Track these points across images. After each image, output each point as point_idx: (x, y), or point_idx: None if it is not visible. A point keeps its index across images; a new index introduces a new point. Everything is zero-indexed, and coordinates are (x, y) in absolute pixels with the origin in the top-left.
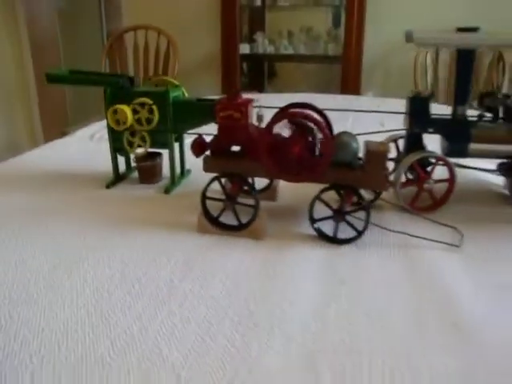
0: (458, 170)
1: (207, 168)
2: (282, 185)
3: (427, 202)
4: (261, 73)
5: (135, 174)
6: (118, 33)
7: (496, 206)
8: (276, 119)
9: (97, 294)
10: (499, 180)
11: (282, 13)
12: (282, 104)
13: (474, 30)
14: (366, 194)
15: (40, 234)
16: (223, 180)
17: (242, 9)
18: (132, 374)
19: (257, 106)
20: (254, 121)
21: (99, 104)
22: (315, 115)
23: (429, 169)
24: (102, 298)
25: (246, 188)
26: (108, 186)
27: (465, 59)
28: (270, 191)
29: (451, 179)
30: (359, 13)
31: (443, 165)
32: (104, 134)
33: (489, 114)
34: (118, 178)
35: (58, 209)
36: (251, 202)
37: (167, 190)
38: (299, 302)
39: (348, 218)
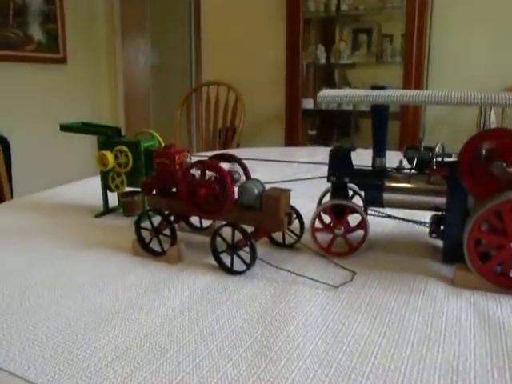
0: (394, 222)
1: (149, 204)
2: None
3: (345, 248)
4: (329, 127)
5: None
6: (194, 88)
7: (420, 257)
8: (191, 166)
9: (30, 286)
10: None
11: (346, 69)
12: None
13: (382, 88)
14: (290, 238)
15: (31, 245)
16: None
17: (308, 66)
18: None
19: (190, 156)
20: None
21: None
22: (222, 165)
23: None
24: (26, 288)
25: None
26: (97, 216)
27: (378, 114)
28: (210, 228)
29: (364, 227)
30: (417, 71)
31: (355, 213)
32: None
33: (408, 166)
34: (107, 210)
35: (50, 229)
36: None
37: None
38: (156, 312)
39: (243, 254)
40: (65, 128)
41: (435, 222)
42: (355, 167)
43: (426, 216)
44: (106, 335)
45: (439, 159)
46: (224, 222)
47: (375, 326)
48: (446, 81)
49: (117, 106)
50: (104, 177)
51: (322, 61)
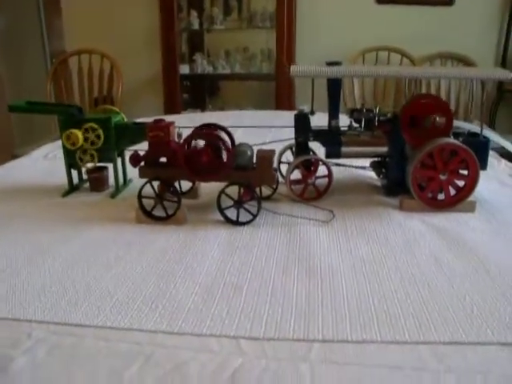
0: (341, 169)
1: (142, 175)
2: (203, 186)
3: (313, 194)
4: (202, 91)
5: (86, 184)
6: (62, 57)
7: (367, 194)
8: (190, 137)
9: (64, 264)
10: (373, 175)
11: (219, 34)
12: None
13: (337, 63)
14: (267, 190)
15: (12, 231)
16: (154, 183)
17: (181, 31)
18: (90, 306)
19: (177, 127)
20: (175, 138)
21: (46, 126)
22: (219, 133)
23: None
24: (68, 267)
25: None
26: (64, 195)
27: (333, 86)
28: (193, 191)
29: (329, 175)
30: (289, 34)
31: (322, 165)
32: (56, 153)
33: (356, 125)
34: (72, 189)
35: (25, 213)
36: (175, 198)
37: (113, 196)
38: (206, 261)
39: (246, 206)
40: (15, 108)
41: (377, 167)
42: (315, 128)
43: (360, 162)
44: (188, 285)
45: (379, 118)
46: (224, 183)
47: (371, 243)
48: (312, 44)
49: None
50: (69, 155)
51: (196, 26)
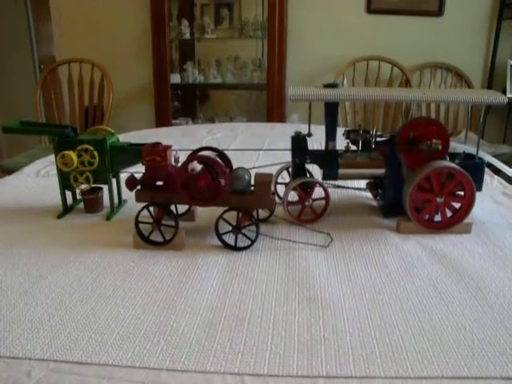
0: (337, 190)
1: (138, 199)
2: (199, 209)
3: (310, 216)
4: (193, 100)
5: (80, 205)
6: (52, 66)
7: (364, 215)
8: (187, 161)
9: (62, 294)
10: (369, 195)
11: (210, 44)
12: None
13: (334, 85)
14: (263, 212)
15: (8, 257)
16: (151, 208)
17: (172, 40)
18: (90, 342)
19: (174, 150)
20: (172, 162)
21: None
22: (215, 157)
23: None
24: (66, 297)
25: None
26: (59, 217)
27: (330, 109)
28: (189, 214)
29: (326, 197)
30: (280, 43)
31: (319, 187)
32: (49, 170)
33: (353, 147)
34: (66, 210)
35: (21, 237)
36: (172, 223)
37: (108, 218)
38: (206, 290)
39: (244, 231)
40: (9, 129)
41: (373, 188)
42: (312, 150)
43: (356, 183)
44: (189, 317)
45: (376, 140)
46: (224, 208)
47: (369, 268)
48: (303, 54)
49: None
50: (63, 176)
51: (187, 35)
